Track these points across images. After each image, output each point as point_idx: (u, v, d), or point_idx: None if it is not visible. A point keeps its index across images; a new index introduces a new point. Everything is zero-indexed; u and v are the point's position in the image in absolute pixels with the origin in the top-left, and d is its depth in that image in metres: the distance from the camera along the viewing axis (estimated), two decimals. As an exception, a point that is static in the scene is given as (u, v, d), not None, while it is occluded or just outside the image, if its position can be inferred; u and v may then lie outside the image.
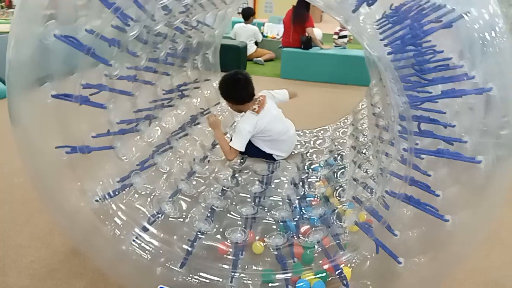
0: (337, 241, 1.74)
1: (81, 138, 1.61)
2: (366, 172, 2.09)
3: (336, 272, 1.61)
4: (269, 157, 2.83)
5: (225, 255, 1.79)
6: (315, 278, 1.64)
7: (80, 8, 1.54)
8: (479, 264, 2.19)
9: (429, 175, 1.42)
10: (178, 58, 2.60)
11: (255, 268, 1.75)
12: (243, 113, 2.72)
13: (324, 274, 1.65)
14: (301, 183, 2.54)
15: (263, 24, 8.25)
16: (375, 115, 2.58)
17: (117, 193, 1.75)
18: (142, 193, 1.94)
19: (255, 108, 2.62)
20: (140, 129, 2.10)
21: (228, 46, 6.22)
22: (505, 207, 2.60)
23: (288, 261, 1.75)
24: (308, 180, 2.57)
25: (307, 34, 6.47)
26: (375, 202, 1.61)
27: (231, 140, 2.63)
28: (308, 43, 6.44)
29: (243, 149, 2.58)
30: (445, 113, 1.39)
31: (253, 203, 2.23)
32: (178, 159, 2.40)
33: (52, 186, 1.65)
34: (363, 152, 2.46)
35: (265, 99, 2.71)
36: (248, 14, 7.54)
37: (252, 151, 2.74)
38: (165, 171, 2.19)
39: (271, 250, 1.85)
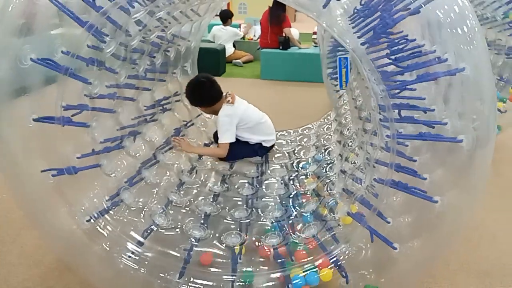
0: (332, 234, 1.76)
1: (66, 158, 1.60)
2: (354, 163, 2.12)
3: (333, 264, 1.63)
4: (257, 149, 2.87)
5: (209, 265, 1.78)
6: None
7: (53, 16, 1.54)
8: (471, 255, 2.25)
9: (415, 161, 1.45)
10: (157, 73, 2.60)
11: (254, 269, 1.76)
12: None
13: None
14: (291, 181, 2.56)
15: (238, 26, 8.26)
16: (357, 108, 2.61)
17: (107, 208, 1.75)
18: (133, 208, 1.94)
19: (229, 100, 2.69)
20: (125, 145, 2.09)
21: (207, 49, 6.24)
22: (491, 198, 2.69)
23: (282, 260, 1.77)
24: (299, 178, 2.59)
25: (284, 35, 6.52)
26: (365, 192, 1.63)
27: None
28: (286, 43, 6.49)
29: (233, 140, 2.65)
30: (424, 98, 1.43)
31: (245, 206, 2.24)
32: (167, 172, 2.40)
33: (40, 209, 1.64)
34: (349, 144, 2.49)
35: (233, 93, 2.78)
36: (226, 17, 7.52)
37: (238, 150, 2.77)
38: (155, 183, 2.19)
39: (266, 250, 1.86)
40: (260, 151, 2.90)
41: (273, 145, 2.99)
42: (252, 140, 2.85)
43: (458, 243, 2.24)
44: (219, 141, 2.65)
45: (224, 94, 2.73)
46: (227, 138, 2.63)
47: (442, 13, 1.35)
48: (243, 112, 2.75)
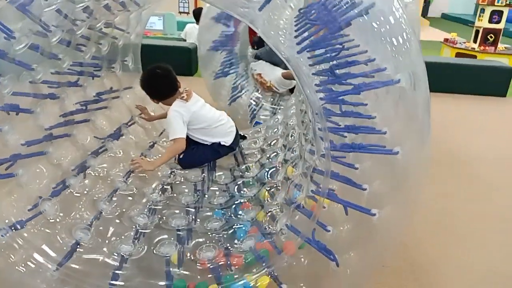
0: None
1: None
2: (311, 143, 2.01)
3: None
4: (218, 149, 2.71)
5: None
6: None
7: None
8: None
9: (384, 133, 1.37)
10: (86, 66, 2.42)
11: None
12: None
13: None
14: (267, 178, 2.44)
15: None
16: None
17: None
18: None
19: (183, 96, 2.57)
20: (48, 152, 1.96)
21: (179, 48, 6.27)
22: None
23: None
24: (276, 171, 2.47)
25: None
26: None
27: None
28: (260, 43, 6.33)
29: (184, 135, 2.50)
30: (374, 59, 1.36)
31: (219, 217, 2.12)
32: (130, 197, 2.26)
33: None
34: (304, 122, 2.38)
35: (191, 90, 2.65)
36: (199, 15, 7.41)
37: (198, 153, 2.66)
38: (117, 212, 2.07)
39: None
40: (222, 150, 2.73)
41: (237, 142, 2.83)
42: (206, 141, 2.68)
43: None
44: (170, 137, 2.49)
45: (180, 89, 2.60)
46: (178, 133, 2.47)
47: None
48: (196, 111, 2.58)
